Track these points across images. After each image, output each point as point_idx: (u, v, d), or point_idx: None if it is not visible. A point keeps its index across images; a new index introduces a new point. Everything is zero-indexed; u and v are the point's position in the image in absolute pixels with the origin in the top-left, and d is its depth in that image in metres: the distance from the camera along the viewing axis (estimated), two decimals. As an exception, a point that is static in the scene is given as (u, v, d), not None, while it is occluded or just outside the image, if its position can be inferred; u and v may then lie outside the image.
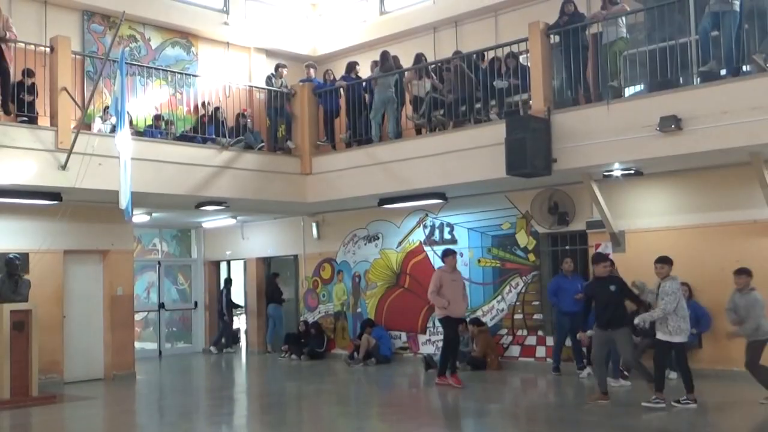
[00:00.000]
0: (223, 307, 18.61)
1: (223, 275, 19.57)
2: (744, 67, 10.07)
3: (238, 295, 19.42)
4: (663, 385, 9.56)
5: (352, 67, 14.86)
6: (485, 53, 12.73)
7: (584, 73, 11.43)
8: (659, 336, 9.69)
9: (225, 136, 13.73)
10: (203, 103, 14.38)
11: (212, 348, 18.56)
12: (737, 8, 9.96)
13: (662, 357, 9.74)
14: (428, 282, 14.77)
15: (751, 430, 8.91)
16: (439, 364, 12.09)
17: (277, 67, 15.22)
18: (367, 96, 14.10)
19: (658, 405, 9.42)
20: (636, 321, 9.94)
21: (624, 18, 11.18)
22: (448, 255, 12.20)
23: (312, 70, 15.47)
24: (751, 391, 9.90)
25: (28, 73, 11.82)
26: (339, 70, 15.34)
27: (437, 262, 14.81)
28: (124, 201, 10.51)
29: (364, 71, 14.75)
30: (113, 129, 11.69)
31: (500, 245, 14.04)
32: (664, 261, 9.75)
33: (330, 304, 16.83)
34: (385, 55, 13.93)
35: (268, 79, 15.08)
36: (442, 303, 11.77)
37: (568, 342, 12.55)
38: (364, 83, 14.24)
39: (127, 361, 14.38)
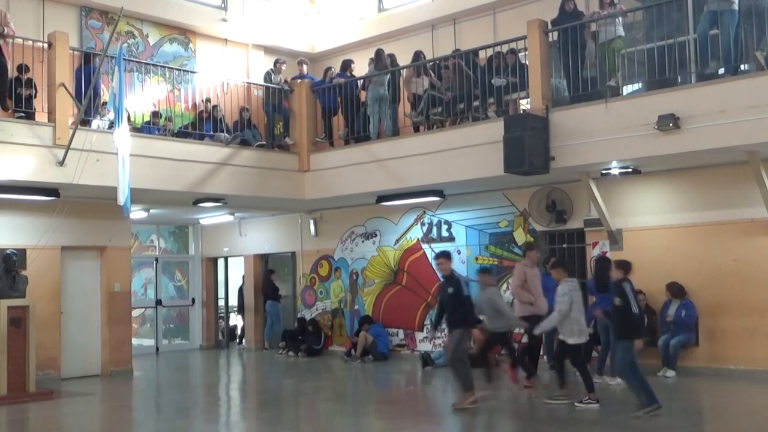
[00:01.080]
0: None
1: (222, 273, 19.55)
2: (742, 66, 10.07)
3: (234, 293, 19.44)
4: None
5: (347, 65, 14.84)
6: (484, 51, 12.72)
7: (582, 69, 11.43)
8: (562, 338, 9.88)
9: (224, 132, 13.73)
10: (204, 100, 14.38)
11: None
12: (736, 7, 9.97)
13: (577, 358, 9.93)
14: (425, 280, 14.93)
15: (748, 430, 8.92)
16: (526, 367, 11.15)
17: (276, 62, 15.21)
18: (364, 93, 14.10)
19: (590, 405, 9.55)
20: (536, 332, 10.17)
21: (620, 17, 11.19)
22: (531, 249, 11.56)
23: (304, 66, 15.46)
24: (749, 390, 9.92)
25: (24, 68, 11.80)
26: (337, 68, 15.31)
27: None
28: (122, 197, 10.50)
29: (363, 69, 14.73)
30: (111, 126, 11.67)
31: (498, 243, 14.05)
32: (558, 266, 10.13)
33: (327, 301, 16.84)
34: (379, 53, 13.94)
35: (267, 75, 15.07)
36: (528, 298, 10.98)
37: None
38: (361, 81, 14.23)
39: (124, 357, 14.37)
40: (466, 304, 9.73)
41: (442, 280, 10.35)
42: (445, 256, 10.12)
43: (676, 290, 11.70)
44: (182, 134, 13.71)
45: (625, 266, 9.34)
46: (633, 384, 8.96)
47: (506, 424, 9.49)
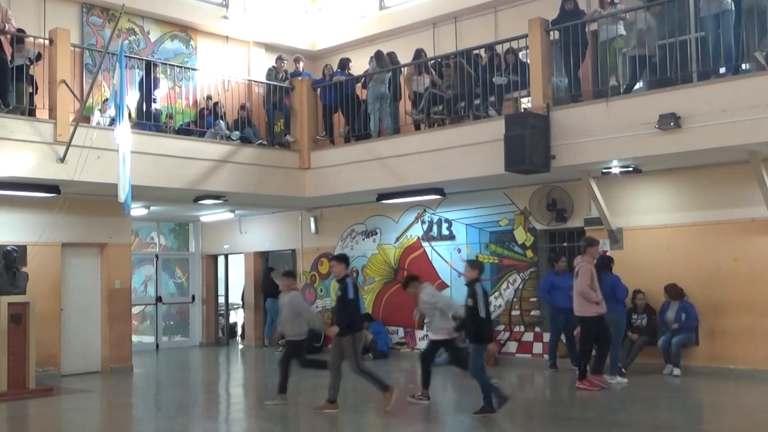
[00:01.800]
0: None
1: (222, 270, 19.54)
2: (743, 65, 10.07)
3: (235, 290, 19.44)
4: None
5: (345, 64, 14.85)
6: (485, 49, 12.72)
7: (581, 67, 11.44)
8: (431, 336, 10.09)
9: (222, 120, 13.78)
10: (205, 97, 14.39)
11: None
12: (730, 6, 9.99)
13: (429, 355, 10.16)
14: (426, 278, 14.82)
15: (747, 428, 8.92)
16: (604, 363, 10.92)
17: (278, 59, 15.22)
18: (364, 92, 14.11)
19: (421, 401, 9.73)
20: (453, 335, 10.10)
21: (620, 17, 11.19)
22: (593, 245, 10.90)
23: (300, 64, 15.47)
24: (748, 390, 9.92)
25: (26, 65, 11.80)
26: (335, 66, 15.30)
27: (435, 258, 14.85)
28: (123, 194, 10.50)
29: (362, 68, 14.72)
30: (112, 122, 11.68)
31: (498, 241, 14.05)
32: (412, 279, 10.41)
33: (327, 299, 16.84)
34: (379, 54, 13.94)
35: (269, 72, 15.08)
36: (597, 297, 10.57)
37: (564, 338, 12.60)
38: (362, 79, 14.23)
39: (124, 354, 14.37)
40: (353, 308, 9.57)
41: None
42: (338, 259, 9.81)
43: (674, 292, 11.64)
44: (183, 131, 13.71)
45: (478, 266, 9.26)
46: (482, 385, 8.94)
47: (509, 424, 9.48)
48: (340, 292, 9.56)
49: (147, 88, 12.62)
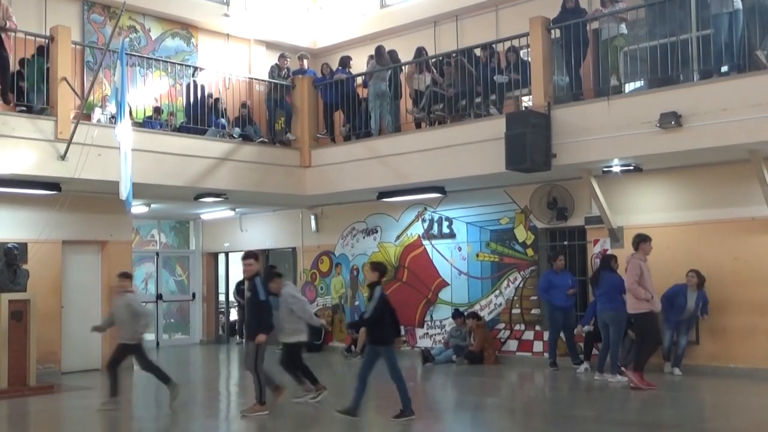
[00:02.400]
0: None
1: (222, 268, 19.53)
2: (746, 65, 10.05)
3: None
4: (316, 380, 9.75)
5: (345, 62, 14.85)
6: (485, 47, 12.71)
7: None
8: (282, 339, 10.07)
9: (228, 124, 13.80)
10: (206, 95, 14.39)
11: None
12: (739, 5, 9.96)
13: (294, 359, 10.20)
14: (426, 276, 14.91)
15: (748, 427, 8.93)
16: (638, 361, 10.55)
17: (281, 56, 15.22)
18: (365, 90, 14.10)
19: (309, 400, 9.94)
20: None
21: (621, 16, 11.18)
22: (645, 241, 10.63)
23: (305, 61, 15.47)
24: (749, 388, 9.92)
25: (26, 62, 11.80)
26: (334, 64, 15.29)
27: (436, 256, 14.85)
28: (124, 192, 10.50)
29: (362, 66, 14.72)
30: (112, 117, 11.68)
31: (499, 240, 14.05)
32: (276, 276, 10.27)
33: (328, 297, 16.84)
34: (379, 50, 13.94)
35: (272, 70, 15.08)
36: (646, 295, 10.35)
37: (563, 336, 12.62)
38: (362, 77, 14.22)
39: (124, 352, 14.35)
40: (263, 310, 9.37)
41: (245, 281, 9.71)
42: (254, 257, 9.63)
43: (701, 280, 11.23)
44: (184, 129, 13.71)
45: (380, 269, 9.01)
46: (400, 387, 8.84)
47: (509, 422, 9.49)
48: (250, 293, 9.26)
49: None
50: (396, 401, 8.85)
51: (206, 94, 14.25)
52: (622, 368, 11.28)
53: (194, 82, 14.13)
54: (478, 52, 12.85)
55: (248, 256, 9.58)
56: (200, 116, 13.79)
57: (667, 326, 11.45)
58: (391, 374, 8.86)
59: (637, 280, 10.32)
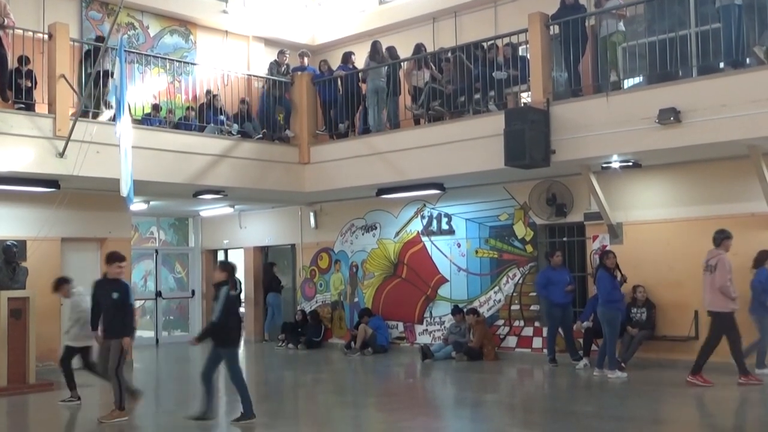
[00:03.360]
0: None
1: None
2: (744, 60, 10.05)
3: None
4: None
5: (347, 57, 14.84)
6: (484, 44, 12.71)
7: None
8: (68, 342, 10.14)
9: (227, 120, 13.80)
10: (206, 92, 14.41)
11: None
12: (738, 1, 9.96)
13: (68, 361, 10.15)
14: (425, 272, 14.92)
15: (747, 422, 8.95)
16: (740, 363, 10.26)
17: (280, 53, 15.21)
18: (363, 86, 14.10)
19: (72, 402, 9.96)
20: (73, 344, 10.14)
21: (617, 14, 11.17)
22: (729, 238, 10.34)
23: (306, 59, 15.46)
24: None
25: (25, 60, 11.78)
26: (337, 60, 15.30)
27: (435, 253, 14.85)
28: (125, 189, 10.48)
29: (361, 62, 14.71)
30: (112, 117, 11.64)
31: (498, 236, 14.05)
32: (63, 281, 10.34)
33: (327, 294, 16.85)
34: (375, 45, 13.94)
35: (271, 66, 15.07)
36: (735, 293, 10.10)
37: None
38: (360, 73, 14.22)
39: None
40: (128, 312, 9.15)
41: (102, 282, 9.38)
42: (125, 258, 9.40)
43: (763, 257, 10.82)
44: (183, 126, 13.70)
45: (227, 269, 8.85)
46: (241, 390, 8.61)
47: (508, 418, 9.50)
48: (117, 294, 9.00)
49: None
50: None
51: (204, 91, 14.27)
52: (622, 364, 11.31)
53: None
54: (483, 45, 12.80)
55: (123, 258, 9.37)
56: (198, 113, 13.81)
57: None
58: (231, 377, 8.68)
59: (730, 278, 10.05)
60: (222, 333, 8.63)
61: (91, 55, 11.89)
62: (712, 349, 10.26)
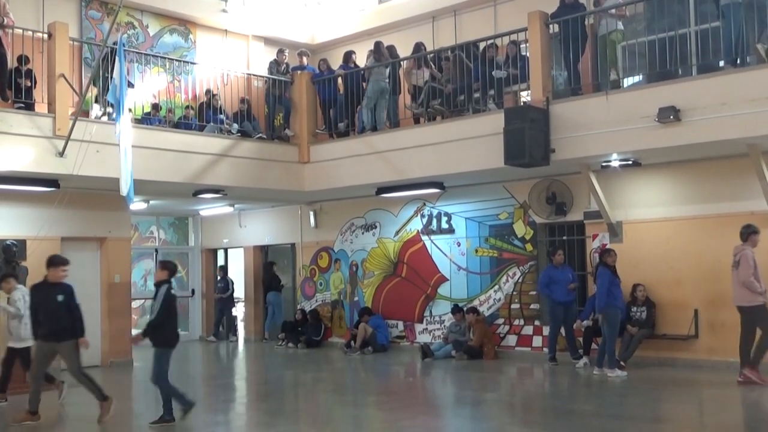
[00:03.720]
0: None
1: (221, 264, 19.54)
2: (745, 59, 10.05)
3: (235, 285, 19.45)
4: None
5: (348, 56, 14.83)
6: (485, 42, 12.70)
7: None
8: (10, 344, 10.14)
9: (227, 119, 13.79)
10: (206, 92, 14.40)
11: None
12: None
13: (10, 364, 10.14)
14: (425, 271, 14.92)
15: (747, 421, 8.95)
16: (756, 356, 10.10)
17: (280, 52, 15.21)
18: (364, 85, 14.09)
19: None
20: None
21: (616, 12, 11.16)
22: (756, 232, 10.15)
23: (305, 58, 15.45)
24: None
25: (24, 59, 11.78)
26: (337, 59, 15.30)
27: (435, 252, 14.85)
28: (125, 188, 10.48)
29: (362, 61, 14.71)
30: (108, 113, 11.63)
31: (498, 235, 14.05)
32: (9, 277, 10.31)
33: (327, 293, 16.85)
34: (378, 46, 13.92)
35: (271, 65, 15.06)
36: (760, 288, 9.94)
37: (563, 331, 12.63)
38: (362, 73, 14.21)
39: (124, 348, 14.38)
40: (76, 314, 8.96)
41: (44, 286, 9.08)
42: (63, 263, 9.05)
43: None
44: (182, 125, 13.70)
45: (168, 267, 8.78)
46: (164, 391, 8.65)
47: (508, 417, 9.51)
48: (62, 297, 8.81)
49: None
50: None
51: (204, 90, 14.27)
52: (622, 362, 11.31)
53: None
54: (482, 46, 12.81)
55: (67, 262, 9.13)
56: (198, 112, 13.81)
57: None
58: (156, 375, 8.63)
59: (753, 273, 9.94)
60: (158, 332, 8.60)
61: (108, 58, 11.76)
62: (752, 342, 10.07)
